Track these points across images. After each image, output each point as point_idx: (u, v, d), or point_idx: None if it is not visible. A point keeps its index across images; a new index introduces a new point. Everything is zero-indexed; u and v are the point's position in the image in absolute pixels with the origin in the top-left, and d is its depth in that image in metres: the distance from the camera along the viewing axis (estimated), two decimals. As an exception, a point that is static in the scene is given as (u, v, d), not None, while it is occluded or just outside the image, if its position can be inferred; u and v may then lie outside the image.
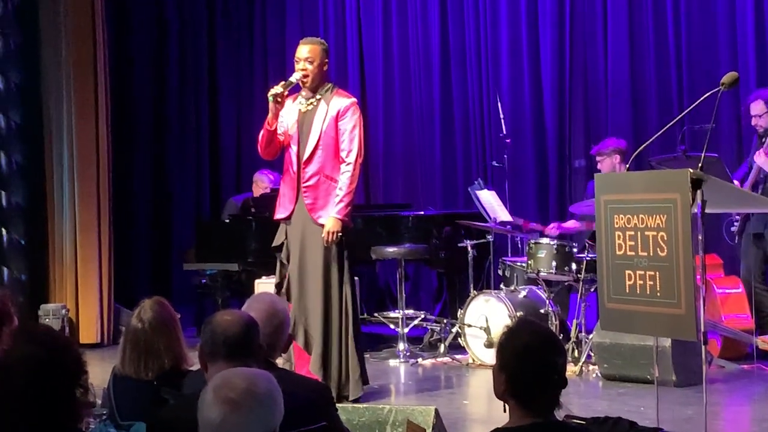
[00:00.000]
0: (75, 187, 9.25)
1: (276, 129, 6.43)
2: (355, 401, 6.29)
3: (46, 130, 9.33)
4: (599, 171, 8.32)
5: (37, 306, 8.94)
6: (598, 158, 8.35)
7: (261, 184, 9.77)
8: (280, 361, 4.15)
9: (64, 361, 2.69)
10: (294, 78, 6.42)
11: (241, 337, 3.21)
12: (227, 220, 9.49)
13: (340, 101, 6.42)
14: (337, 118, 6.37)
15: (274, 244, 6.58)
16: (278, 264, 6.57)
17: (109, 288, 9.35)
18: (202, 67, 11.57)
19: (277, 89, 6.34)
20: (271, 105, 6.34)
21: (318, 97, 6.44)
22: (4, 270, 9.07)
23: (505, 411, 2.90)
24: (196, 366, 3.73)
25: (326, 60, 6.50)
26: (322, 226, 6.31)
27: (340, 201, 6.31)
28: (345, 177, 6.34)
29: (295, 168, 6.42)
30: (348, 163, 6.34)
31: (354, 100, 6.53)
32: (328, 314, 6.35)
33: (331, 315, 6.36)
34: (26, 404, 2.61)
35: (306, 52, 6.42)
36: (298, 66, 6.43)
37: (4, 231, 9.11)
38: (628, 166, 5.55)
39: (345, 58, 11.09)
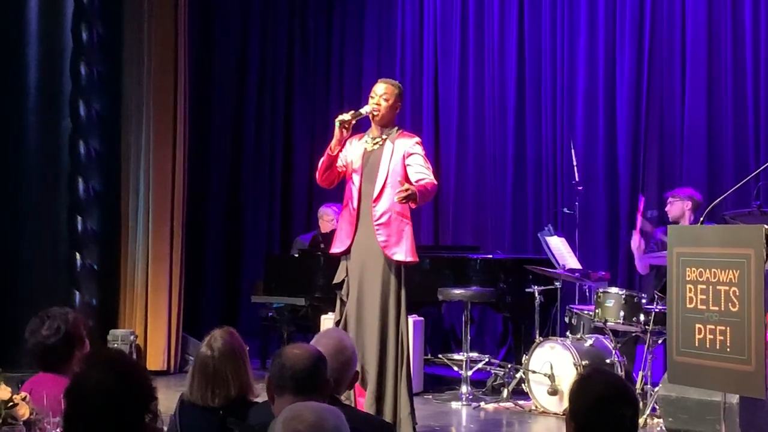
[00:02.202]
0: (149, 215, 9.39)
1: (337, 155, 6.49)
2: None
3: (124, 158, 9.49)
4: (666, 213, 8.28)
5: (107, 331, 9.06)
6: (670, 199, 8.30)
7: (326, 217, 9.81)
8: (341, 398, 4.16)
9: (135, 386, 2.73)
10: (365, 110, 6.49)
11: (310, 371, 3.23)
12: (296, 255, 9.55)
13: (405, 141, 6.46)
14: (404, 156, 6.41)
15: (335, 281, 6.60)
16: (338, 301, 6.59)
17: (177, 316, 9.45)
18: (278, 102, 11.70)
19: (345, 116, 6.41)
20: (336, 131, 6.41)
21: (384, 137, 6.50)
22: (76, 294, 9.22)
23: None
24: (261, 398, 3.77)
25: (399, 103, 6.56)
26: (397, 262, 6.33)
27: (424, 182, 6.24)
28: (424, 180, 6.29)
29: (355, 204, 6.44)
30: (425, 174, 6.32)
31: (418, 139, 6.57)
32: (384, 351, 6.34)
33: (387, 352, 6.35)
34: (97, 427, 2.64)
35: (383, 89, 6.50)
36: (372, 100, 6.50)
37: (78, 256, 9.26)
38: (702, 219, 5.49)
39: (420, 98, 11.16)
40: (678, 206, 8.21)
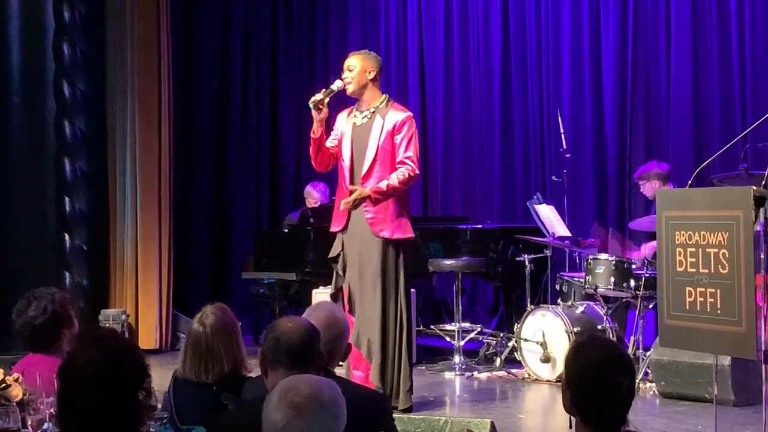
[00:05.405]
0: (137, 194, 9.36)
1: (322, 137, 6.44)
2: (404, 411, 6.30)
3: (110, 138, 9.45)
4: (643, 194, 8.32)
5: (98, 311, 9.06)
6: (640, 183, 8.34)
7: (310, 199, 9.83)
8: (337, 370, 4.17)
9: (128, 364, 2.73)
10: (335, 86, 6.43)
11: (304, 345, 3.22)
12: (286, 230, 9.54)
13: (396, 115, 6.40)
14: (393, 131, 6.35)
15: (330, 255, 6.60)
16: (334, 274, 6.59)
17: (168, 295, 9.45)
18: (264, 77, 11.64)
19: (317, 97, 6.36)
20: (313, 113, 6.37)
21: (372, 110, 6.44)
22: (66, 274, 9.19)
23: (571, 427, 2.88)
24: (255, 373, 3.77)
25: (373, 69, 6.43)
26: (385, 239, 6.33)
27: (382, 185, 6.23)
28: (400, 171, 6.27)
29: (347, 182, 6.42)
30: (406, 163, 6.29)
31: (410, 114, 6.51)
32: (385, 325, 6.36)
33: (388, 326, 6.37)
34: (91, 406, 2.64)
35: (349, 61, 6.47)
36: (343, 75, 6.48)
37: (67, 236, 9.24)
38: (690, 182, 5.49)
39: (406, 70, 11.13)
40: (648, 187, 8.25)
